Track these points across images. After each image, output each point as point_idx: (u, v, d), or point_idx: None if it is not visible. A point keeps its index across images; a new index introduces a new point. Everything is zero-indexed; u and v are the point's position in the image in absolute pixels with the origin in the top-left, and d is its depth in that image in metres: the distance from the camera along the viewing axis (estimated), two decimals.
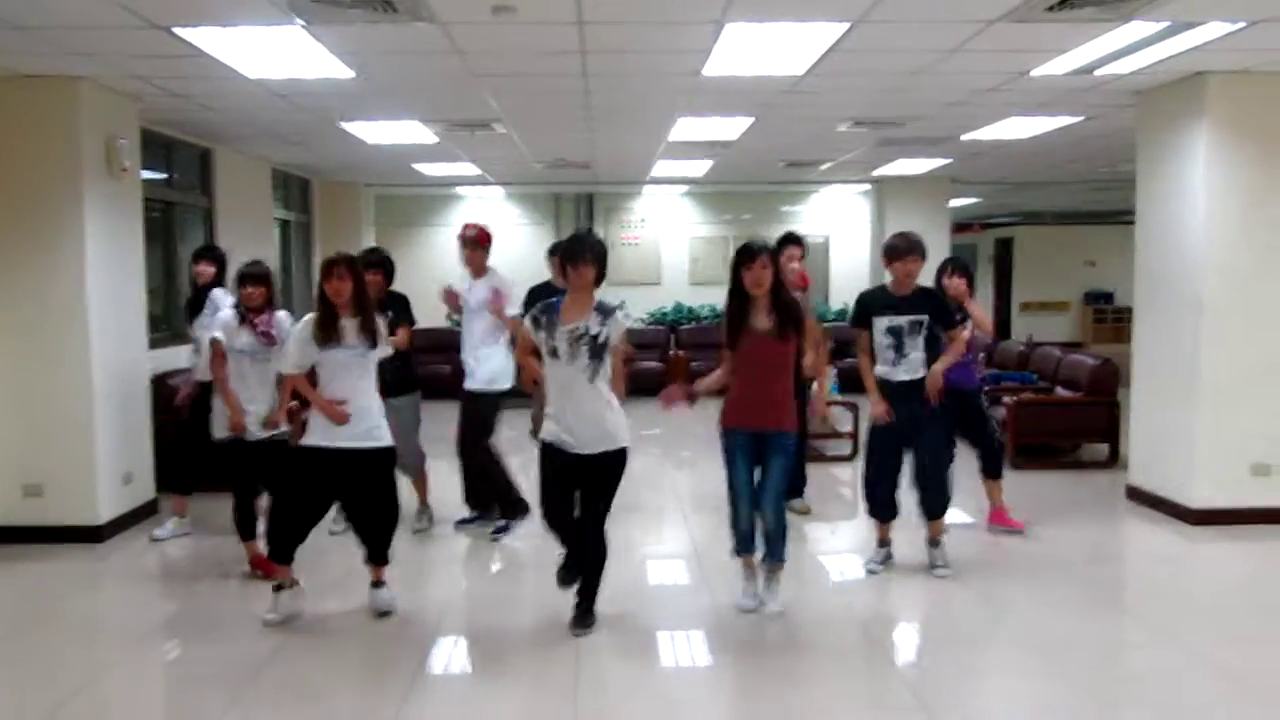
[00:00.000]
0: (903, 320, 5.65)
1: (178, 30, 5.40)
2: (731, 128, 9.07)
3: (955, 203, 15.35)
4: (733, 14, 5.25)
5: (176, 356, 7.99)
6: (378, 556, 5.23)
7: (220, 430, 5.79)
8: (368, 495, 5.14)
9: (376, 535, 5.21)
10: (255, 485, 5.88)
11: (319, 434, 5.03)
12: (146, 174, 7.66)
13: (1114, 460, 8.66)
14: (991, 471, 6.64)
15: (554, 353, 4.76)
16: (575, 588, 4.95)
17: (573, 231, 6.13)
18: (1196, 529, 6.73)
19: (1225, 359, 6.73)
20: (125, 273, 7.03)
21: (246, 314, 5.67)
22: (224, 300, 6.38)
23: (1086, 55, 6.16)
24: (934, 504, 5.80)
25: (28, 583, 5.99)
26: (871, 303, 5.82)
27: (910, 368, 5.64)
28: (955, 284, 6.46)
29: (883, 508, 5.87)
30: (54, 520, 6.57)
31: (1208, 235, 6.70)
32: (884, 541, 5.95)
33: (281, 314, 5.82)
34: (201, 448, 6.16)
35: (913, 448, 5.76)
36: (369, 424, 5.07)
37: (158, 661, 4.91)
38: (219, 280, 6.75)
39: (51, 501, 6.59)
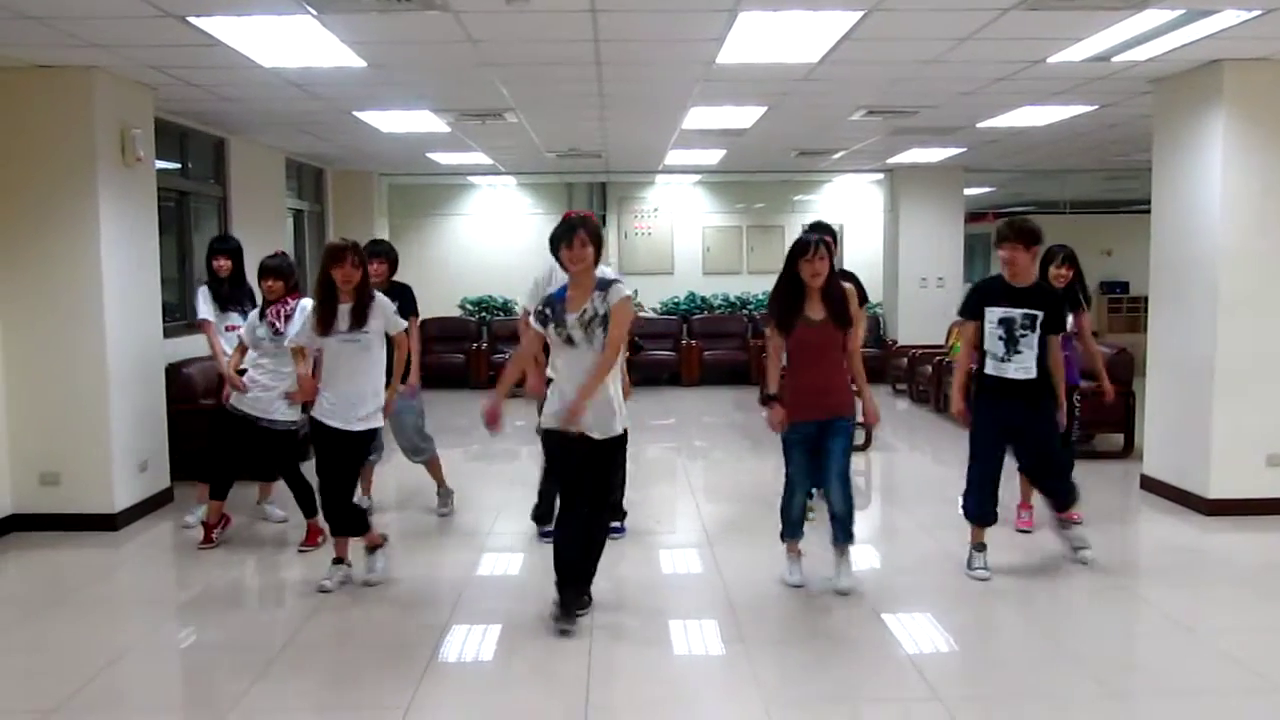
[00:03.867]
0: (1016, 313, 5.40)
1: (192, 19, 5.41)
2: (744, 116, 9.05)
3: (969, 192, 15.28)
4: (746, 2, 5.24)
5: (192, 345, 8.04)
6: (338, 528, 5.45)
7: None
8: (338, 469, 5.34)
9: (335, 506, 5.38)
10: (241, 462, 6.37)
11: (319, 410, 5.29)
12: (161, 164, 7.68)
13: (1129, 450, 8.65)
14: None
15: (569, 340, 4.71)
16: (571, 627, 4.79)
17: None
18: (1211, 519, 6.71)
19: (1241, 349, 6.70)
20: (140, 262, 7.06)
21: (265, 307, 6.10)
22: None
23: (1102, 43, 6.12)
24: (1061, 497, 5.73)
25: (45, 570, 6.04)
26: (986, 292, 5.58)
27: (1023, 365, 5.38)
28: (1062, 275, 6.24)
29: (987, 514, 5.61)
30: (70, 508, 6.62)
31: (1224, 224, 6.66)
32: (982, 545, 5.66)
33: (305, 301, 6.06)
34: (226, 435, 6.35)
35: (1021, 446, 5.59)
36: (361, 410, 5.27)
37: (175, 646, 4.95)
38: (237, 271, 6.88)
39: (68, 489, 6.64)
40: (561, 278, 5.01)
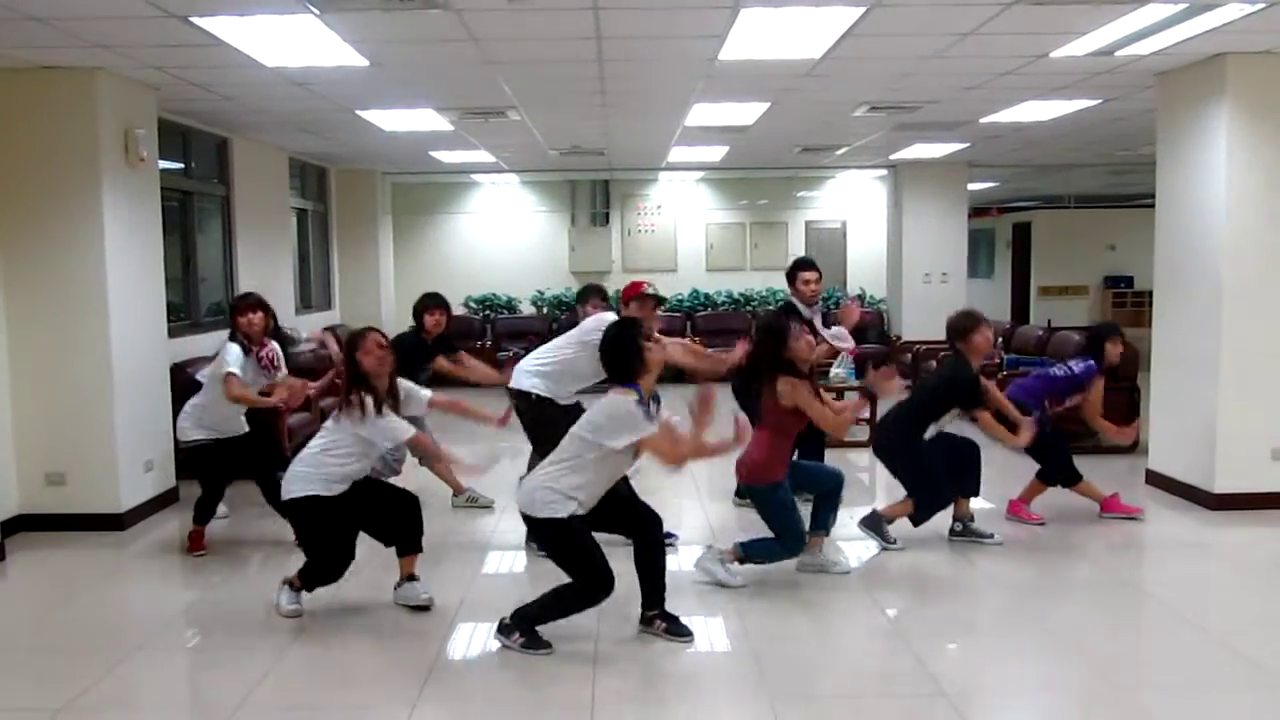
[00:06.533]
0: None
1: (195, 20, 5.42)
2: (747, 113, 9.04)
3: (973, 187, 15.26)
4: None
5: (196, 345, 8.09)
6: (409, 548, 5.21)
7: (194, 433, 6.10)
8: (385, 504, 5.16)
9: (403, 529, 5.17)
10: (228, 477, 6.27)
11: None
12: (164, 164, 7.70)
13: (1134, 445, 8.62)
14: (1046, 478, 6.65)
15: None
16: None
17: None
18: (1216, 514, 6.70)
19: (1246, 343, 6.68)
20: (144, 262, 7.07)
21: (250, 346, 5.99)
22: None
23: (1105, 37, 6.11)
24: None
25: (51, 570, 6.06)
26: None
27: None
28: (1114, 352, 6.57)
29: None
30: (76, 508, 6.63)
31: (1229, 218, 6.64)
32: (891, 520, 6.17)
33: (275, 345, 6.18)
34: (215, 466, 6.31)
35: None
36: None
37: (181, 645, 4.96)
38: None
39: (74, 489, 6.65)
40: None
